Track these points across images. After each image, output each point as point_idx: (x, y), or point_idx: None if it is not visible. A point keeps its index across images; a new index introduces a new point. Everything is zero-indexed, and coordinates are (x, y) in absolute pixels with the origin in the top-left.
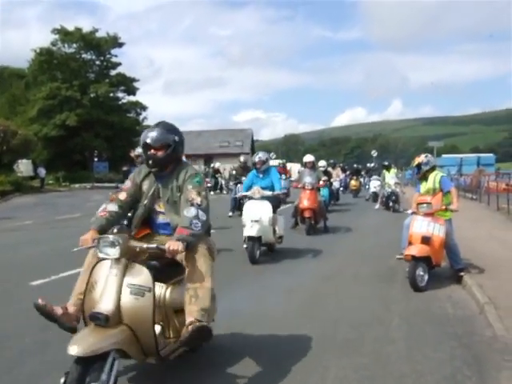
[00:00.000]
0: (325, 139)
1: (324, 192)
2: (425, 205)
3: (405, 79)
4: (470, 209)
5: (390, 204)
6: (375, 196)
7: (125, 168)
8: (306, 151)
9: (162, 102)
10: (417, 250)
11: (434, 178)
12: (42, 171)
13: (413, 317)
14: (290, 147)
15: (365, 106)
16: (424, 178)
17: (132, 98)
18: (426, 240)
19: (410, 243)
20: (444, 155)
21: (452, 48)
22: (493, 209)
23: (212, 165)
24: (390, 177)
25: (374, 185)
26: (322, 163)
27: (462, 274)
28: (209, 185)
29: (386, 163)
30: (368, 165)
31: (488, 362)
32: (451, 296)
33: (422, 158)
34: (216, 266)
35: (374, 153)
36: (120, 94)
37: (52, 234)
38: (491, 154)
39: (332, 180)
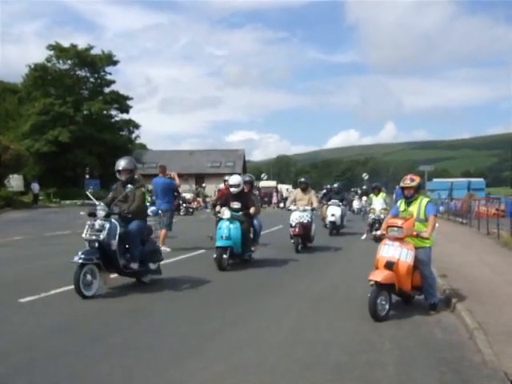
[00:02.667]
0: (317, 161)
1: (232, 231)
2: (395, 228)
3: (399, 103)
4: (460, 233)
5: (373, 232)
6: (333, 227)
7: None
8: (297, 173)
9: (157, 121)
10: (381, 276)
11: (420, 202)
12: (35, 187)
13: (403, 341)
14: (281, 168)
15: (358, 129)
16: (410, 201)
17: (125, 116)
18: (389, 265)
19: (377, 267)
20: (435, 179)
21: (446, 73)
22: (483, 233)
23: (204, 185)
24: (378, 202)
25: (331, 212)
26: (233, 180)
27: (432, 312)
28: (202, 204)
29: (378, 185)
30: (335, 185)
31: None
32: (441, 321)
33: (419, 179)
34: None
35: (365, 176)
36: (113, 112)
37: (41, 250)
38: (481, 179)
39: (291, 209)
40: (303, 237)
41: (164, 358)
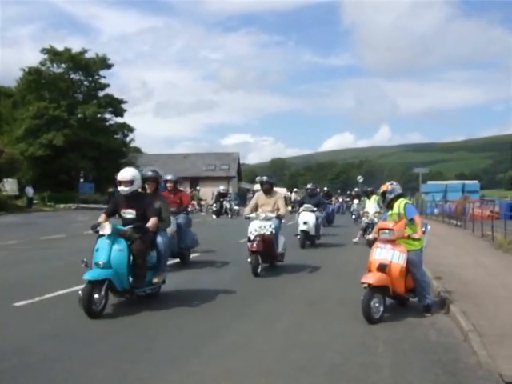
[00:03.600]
0: (311, 164)
1: (114, 255)
2: (386, 231)
3: (394, 105)
4: (454, 236)
5: (366, 237)
6: (305, 236)
7: (110, 189)
8: (292, 175)
9: (151, 124)
10: (374, 278)
11: (399, 205)
12: (29, 190)
13: (398, 343)
14: (276, 171)
15: (353, 132)
16: (390, 205)
17: (119, 120)
18: (382, 267)
19: (370, 270)
20: (429, 182)
21: (441, 75)
22: (477, 235)
23: (198, 188)
24: (371, 205)
25: (303, 219)
26: (123, 174)
27: (426, 314)
28: (196, 207)
29: (368, 189)
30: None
31: None
32: (435, 323)
33: (386, 186)
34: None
35: (360, 178)
36: (107, 115)
37: (36, 254)
38: (476, 181)
39: (250, 218)
40: (265, 254)
41: (159, 360)
